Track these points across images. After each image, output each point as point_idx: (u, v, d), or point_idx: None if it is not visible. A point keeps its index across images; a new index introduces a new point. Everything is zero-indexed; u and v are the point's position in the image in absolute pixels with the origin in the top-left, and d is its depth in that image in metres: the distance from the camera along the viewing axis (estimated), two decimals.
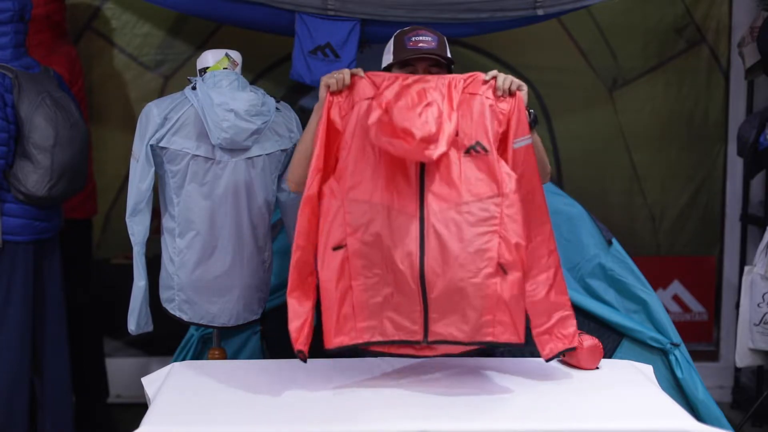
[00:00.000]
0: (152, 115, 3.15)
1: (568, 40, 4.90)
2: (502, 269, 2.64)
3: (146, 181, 3.17)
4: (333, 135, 2.74)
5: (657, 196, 5.03)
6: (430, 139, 2.61)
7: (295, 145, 3.32)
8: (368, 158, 2.71)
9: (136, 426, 2.36)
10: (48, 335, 3.73)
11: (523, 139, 2.75)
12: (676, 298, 5.08)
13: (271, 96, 3.29)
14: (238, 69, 3.28)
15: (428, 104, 2.65)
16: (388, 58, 3.01)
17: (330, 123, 2.74)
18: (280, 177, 3.35)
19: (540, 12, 3.82)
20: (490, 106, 2.75)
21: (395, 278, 2.67)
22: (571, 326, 2.79)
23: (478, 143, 2.72)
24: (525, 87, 2.79)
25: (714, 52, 4.98)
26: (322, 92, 2.78)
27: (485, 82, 2.77)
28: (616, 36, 4.92)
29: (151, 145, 3.15)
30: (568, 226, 3.77)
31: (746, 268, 4.17)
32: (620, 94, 4.97)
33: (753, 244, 4.74)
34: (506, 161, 2.73)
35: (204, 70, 3.26)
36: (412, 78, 2.75)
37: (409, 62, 2.95)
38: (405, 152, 2.63)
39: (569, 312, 2.80)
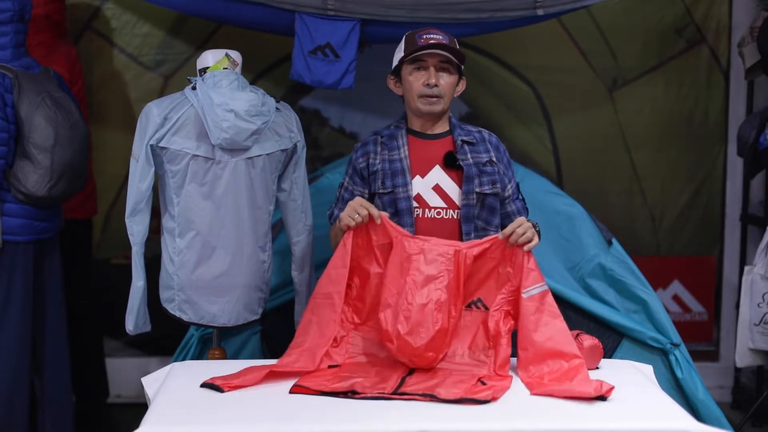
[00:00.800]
0: (152, 115, 3.15)
1: (568, 40, 4.90)
2: (480, 383, 2.69)
3: (146, 181, 3.17)
4: (353, 264, 2.87)
5: (657, 196, 5.03)
6: (431, 363, 2.75)
7: (295, 145, 3.33)
8: (378, 305, 2.81)
9: (136, 426, 2.36)
10: (48, 335, 3.73)
11: (533, 288, 2.78)
12: (676, 298, 5.08)
13: (271, 96, 3.29)
14: (238, 69, 3.28)
15: (438, 332, 2.72)
16: (399, 55, 3.04)
17: (351, 256, 2.86)
18: (281, 177, 3.35)
19: (540, 12, 3.82)
20: (497, 267, 2.82)
21: (378, 380, 2.75)
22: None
23: (479, 300, 2.83)
24: (535, 241, 2.80)
25: (714, 52, 4.98)
26: (342, 227, 2.87)
27: (499, 241, 2.81)
28: (616, 36, 4.92)
29: (151, 145, 3.14)
30: (568, 226, 3.77)
31: (746, 268, 4.17)
32: (620, 94, 4.97)
33: (753, 244, 4.74)
34: (518, 312, 2.79)
35: (204, 70, 3.26)
36: (421, 251, 2.79)
37: (419, 58, 2.97)
38: (403, 360, 2.77)
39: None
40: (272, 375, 2.72)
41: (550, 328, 2.76)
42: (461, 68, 3.04)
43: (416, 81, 2.99)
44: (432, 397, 2.57)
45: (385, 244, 2.84)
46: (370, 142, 3.11)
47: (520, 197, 3.13)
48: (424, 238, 2.84)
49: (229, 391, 2.64)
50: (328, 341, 2.81)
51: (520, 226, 2.79)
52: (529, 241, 2.79)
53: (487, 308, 2.82)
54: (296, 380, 2.69)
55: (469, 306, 2.83)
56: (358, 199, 2.88)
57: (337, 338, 2.85)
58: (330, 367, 2.80)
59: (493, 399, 2.55)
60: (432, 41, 2.96)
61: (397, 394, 2.60)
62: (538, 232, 2.87)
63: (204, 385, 2.67)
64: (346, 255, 2.83)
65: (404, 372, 2.76)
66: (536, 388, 2.65)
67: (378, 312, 2.80)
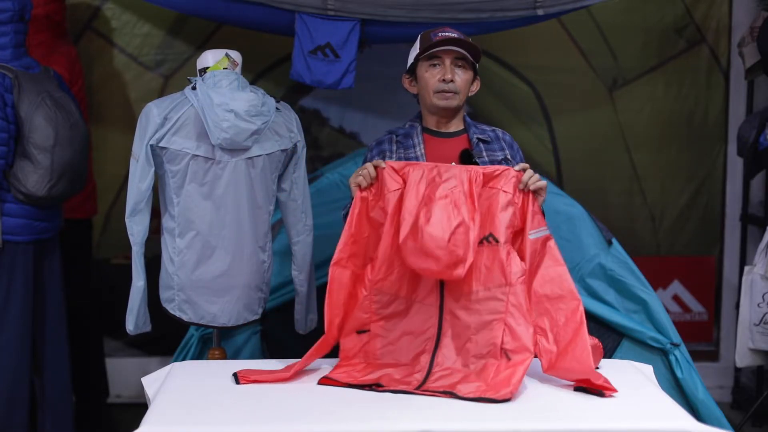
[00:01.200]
0: (152, 115, 3.15)
1: (568, 40, 4.90)
2: (505, 355, 2.71)
3: (146, 181, 3.16)
4: (373, 226, 2.86)
5: (657, 196, 5.03)
6: (457, 263, 2.74)
7: (295, 145, 3.33)
8: (396, 255, 2.81)
9: (136, 426, 2.36)
10: (48, 335, 3.73)
11: (538, 231, 2.83)
12: (676, 298, 5.08)
13: (271, 96, 3.28)
14: (238, 69, 3.28)
15: (459, 225, 2.73)
16: (414, 53, 3.04)
17: (368, 218, 2.86)
18: (281, 177, 3.35)
19: (540, 12, 3.82)
20: (507, 201, 2.82)
21: (410, 356, 2.79)
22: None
23: (490, 234, 2.81)
24: (545, 190, 2.84)
25: (714, 52, 4.98)
26: (354, 192, 2.86)
27: (512, 173, 2.81)
28: (616, 36, 4.92)
29: (151, 145, 3.14)
30: (568, 226, 3.77)
31: (746, 268, 4.17)
32: (620, 94, 4.97)
33: (753, 244, 4.74)
34: (523, 252, 2.82)
35: (204, 70, 3.26)
36: (434, 169, 2.81)
37: (435, 55, 2.98)
38: (433, 275, 2.78)
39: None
40: (291, 377, 2.75)
41: (551, 272, 2.80)
42: (476, 67, 3.05)
43: (432, 77, 3.00)
44: (451, 395, 2.59)
45: (397, 191, 2.82)
46: (385, 141, 3.11)
47: None
48: (435, 163, 2.86)
49: (244, 383, 2.68)
50: (342, 307, 2.83)
51: (528, 169, 2.83)
52: (541, 188, 2.82)
53: (498, 242, 2.81)
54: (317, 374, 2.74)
55: (481, 242, 2.81)
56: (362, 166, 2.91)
57: (359, 297, 2.85)
58: (359, 332, 2.81)
59: (512, 397, 2.57)
60: (447, 37, 2.98)
61: (420, 390, 2.63)
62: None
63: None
64: (352, 219, 2.83)
65: (430, 351, 2.77)
66: (547, 367, 2.71)
67: (395, 262, 2.81)
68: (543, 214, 2.85)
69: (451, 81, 2.98)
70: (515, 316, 2.75)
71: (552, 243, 2.83)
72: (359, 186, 2.84)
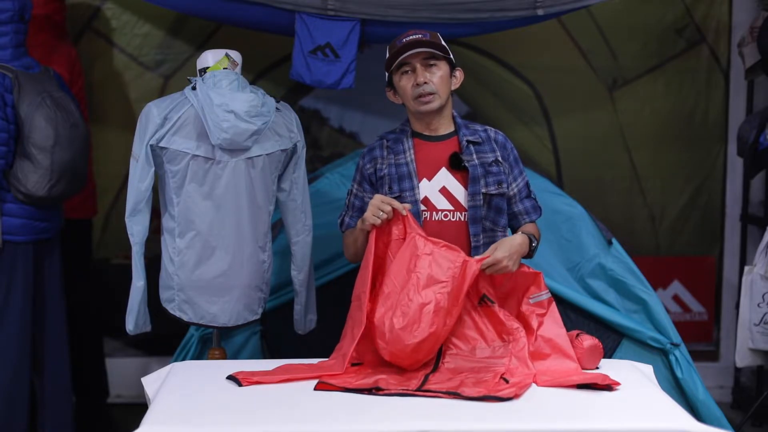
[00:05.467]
0: (152, 115, 3.15)
1: (568, 40, 4.90)
2: (504, 380, 2.70)
3: (146, 181, 3.17)
4: (379, 262, 2.87)
5: (657, 196, 5.03)
6: (414, 364, 2.75)
7: (295, 145, 3.32)
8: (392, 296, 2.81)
9: (136, 426, 2.36)
10: (48, 335, 3.73)
11: (537, 296, 2.87)
12: (676, 298, 5.08)
13: (271, 96, 3.28)
14: (238, 69, 3.28)
15: (430, 335, 2.71)
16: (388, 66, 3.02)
17: (376, 253, 2.86)
18: (280, 177, 3.35)
19: (540, 12, 3.81)
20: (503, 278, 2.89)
21: (403, 378, 2.77)
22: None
23: (485, 296, 2.85)
24: (513, 266, 2.85)
25: (714, 52, 4.98)
26: (367, 227, 2.86)
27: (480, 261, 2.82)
28: (616, 36, 4.92)
29: (151, 145, 3.14)
30: (568, 226, 3.77)
31: (746, 268, 4.17)
32: (620, 94, 4.97)
33: (753, 244, 4.74)
34: (523, 316, 2.86)
35: (204, 70, 3.26)
36: (432, 244, 2.79)
37: (403, 62, 2.95)
38: (388, 358, 2.78)
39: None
40: (294, 378, 2.74)
41: (550, 333, 2.83)
42: (451, 60, 3.02)
43: (407, 84, 2.96)
44: (456, 395, 2.58)
45: (402, 239, 2.83)
46: (376, 147, 3.08)
47: (532, 195, 3.11)
48: (436, 241, 2.82)
49: (247, 385, 2.67)
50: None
51: (501, 260, 2.81)
52: (500, 270, 2.84)
53: (493, 303, 2.84)
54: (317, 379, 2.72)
55: (480, 302, 2.84)
56: (378, 197, 2.86)
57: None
58: (353, 365, 2.80)
59: (516, 396, 2.56)
60: (409, 41, 2.94)
61: (421, 391, 2.62)
62: (534, 249, 2.95)
63: (229, 377, 2.72)
64: (371, 255, 2.83)
65: (428, 370, 2.77)
66: (541, 381, 2.70)
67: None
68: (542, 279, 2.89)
69: (425, 83, 2.94)
70: (518, 365, 2.77)
71: (553, 306, 2.87)
72: (374, 225, 2.83)
